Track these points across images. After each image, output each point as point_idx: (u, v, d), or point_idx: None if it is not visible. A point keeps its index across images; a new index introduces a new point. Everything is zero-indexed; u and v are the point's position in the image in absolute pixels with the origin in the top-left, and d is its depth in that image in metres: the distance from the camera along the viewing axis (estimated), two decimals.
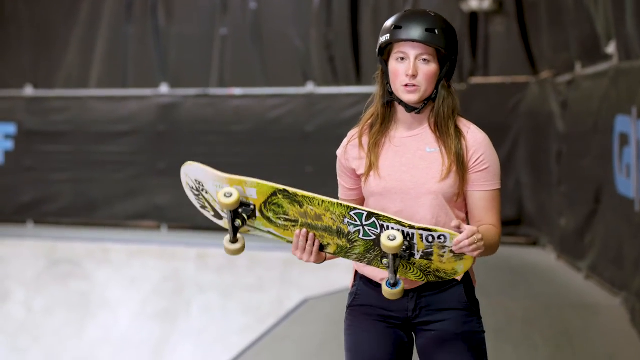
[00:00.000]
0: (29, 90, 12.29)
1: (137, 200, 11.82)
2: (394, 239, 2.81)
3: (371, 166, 3.06)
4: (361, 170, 3.09)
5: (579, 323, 7.10)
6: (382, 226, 2.86)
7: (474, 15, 10.93)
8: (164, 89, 11.86)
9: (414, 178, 3.02)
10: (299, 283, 9.71)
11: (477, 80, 10.82)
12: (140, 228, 11.85)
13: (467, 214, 3.10)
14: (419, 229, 2.83)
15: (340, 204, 2.89)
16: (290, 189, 2.91)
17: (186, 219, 11.48)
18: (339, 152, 3.17)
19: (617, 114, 7.13)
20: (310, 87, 11.42)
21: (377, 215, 2.86)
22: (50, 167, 12.14)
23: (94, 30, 12.22)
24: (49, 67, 12.40)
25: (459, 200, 3.05)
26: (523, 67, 10.66)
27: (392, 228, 2.84)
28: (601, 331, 6.94)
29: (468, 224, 3.07)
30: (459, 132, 3.04)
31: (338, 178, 3.19)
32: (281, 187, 2.92)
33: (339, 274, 8.97)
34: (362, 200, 3.14)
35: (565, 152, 8.99)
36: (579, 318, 7.22)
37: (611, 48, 7.44)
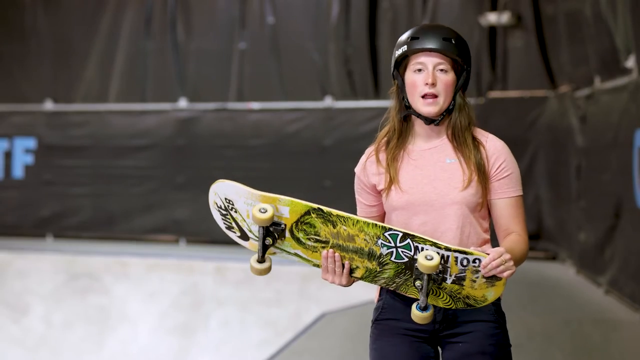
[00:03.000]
0: (48, 105, 12.36)
1: (155, 214, 11.86)
2: (431, 259, 2.79)
3: (391, 181, 3.05)
4: (381, 186, 3.09)
5: (599, 338, 7.05)
6: (416, 248, 2.85)
7: (492, 30, 10.92)
8: (182, 103, 11.90)
9: (437, 189, 3.02)
10: (317, 297, 9.69)
11: (495, 94, 10.79)
12: (159, 242, 11.87)
13: (490, 223, 3.10)
14: (455, 251, 2.82)
15: (376, 224, 2.87)
16: (325, 208, 2.89)
17: (204, 232, 11.49)
18: (357, 169, 3.16)
19: (637, 128, 7.10)
20: (328, 101, 11.42)
21: (413, 237, 2.85)
22: (70, 182, 12.19)
23: (114, 45, 12.30)
24: (69, 82, 12.47)
25: (483, 209, 3.05)
26: (542, 81, 10.62)
27: (427, 250, 2.83)
28: (621, 347, 6.88)
29: (493, 233, 3.07)
30: (477, 142, 3.05)
31: (357, 196, 3.17)
32: (315, 205, 2.90)
33: (358, 289, 8.92)
34: (382, 218, 3.13)
35: (584, 167, 8.95)
36: (598, 333, 7.17)
37: (630, 62, 7.41)
